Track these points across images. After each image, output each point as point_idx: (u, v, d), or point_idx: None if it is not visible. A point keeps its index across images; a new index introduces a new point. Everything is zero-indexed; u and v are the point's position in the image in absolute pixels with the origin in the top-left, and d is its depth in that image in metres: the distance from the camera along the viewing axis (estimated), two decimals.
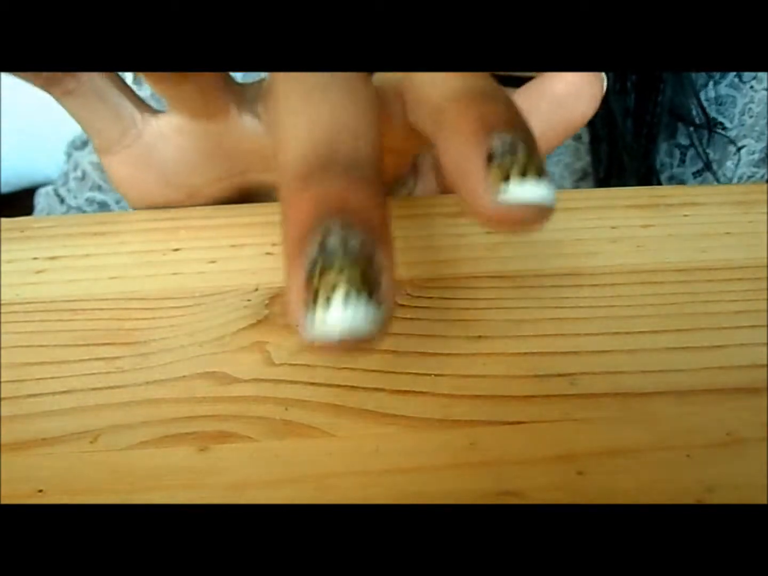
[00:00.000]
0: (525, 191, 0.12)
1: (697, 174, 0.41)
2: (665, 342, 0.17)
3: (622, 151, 0.39)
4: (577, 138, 0.41)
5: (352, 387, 0.16)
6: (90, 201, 0.45)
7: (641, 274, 0.19)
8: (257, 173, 0.22)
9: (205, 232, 0.21)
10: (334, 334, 0.11)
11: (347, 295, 0.11)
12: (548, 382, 0.16)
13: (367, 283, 0.11)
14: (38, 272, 0.20)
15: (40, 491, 0.15)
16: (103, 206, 0.45)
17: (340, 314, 0.11)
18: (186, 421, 0.16)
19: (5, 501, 0.14)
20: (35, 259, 0.20)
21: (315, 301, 0.11)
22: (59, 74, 0.19)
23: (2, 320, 0.18)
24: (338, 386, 0.16)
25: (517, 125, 0.13)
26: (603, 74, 0.19)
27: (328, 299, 0.11)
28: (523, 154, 0.12)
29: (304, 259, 0.11)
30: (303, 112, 0.13)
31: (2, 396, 0.16)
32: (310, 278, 0.11)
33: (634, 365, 0.17)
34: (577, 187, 0.40)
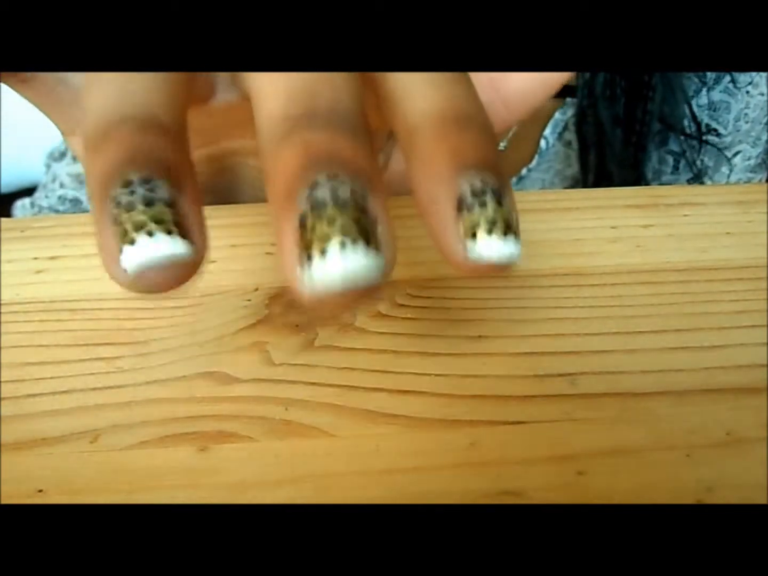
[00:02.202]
0: (491, 250, 0.12)
1: (690, 181, 0.41)
2: (665, 342, 0.17)
3: (610, 160, 0.38)
4: (567, 144, 0.40)
5: (352, 387, 0.16)
6: (62, 199, 0.44)
7: (641, 274, 0.19)
8: (232, 140, 0.21)
9: None
10: (335, 284, 0.11)
11: (343, 245, 0.11)
12: (548, 382, 0.16)
13: (362, 231, 0.11)
14: (38, 272, 0.20)
15: (40, 491, 0.15)
16: (76, 203, 0.44)
17: (338, 264, 0.11)
18: (186, 421, 0.16)
19: (5, 501, 0.14)
20: (35, 259, 0.20)
21: (310, 255, 0.11)
22: None
23: (2, 320, 0.18)
24: (338, 386, 0.16)
25: (488, 161, 0.13)
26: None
27: (323, 252, 0.11)
28: (492, 206, 0.12)
29: (294, 214, 0.11)
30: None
31: (2, 396, 0.16)
32: (302, 233, 0.11)
33: (634, 365, 0.17)
34: None
